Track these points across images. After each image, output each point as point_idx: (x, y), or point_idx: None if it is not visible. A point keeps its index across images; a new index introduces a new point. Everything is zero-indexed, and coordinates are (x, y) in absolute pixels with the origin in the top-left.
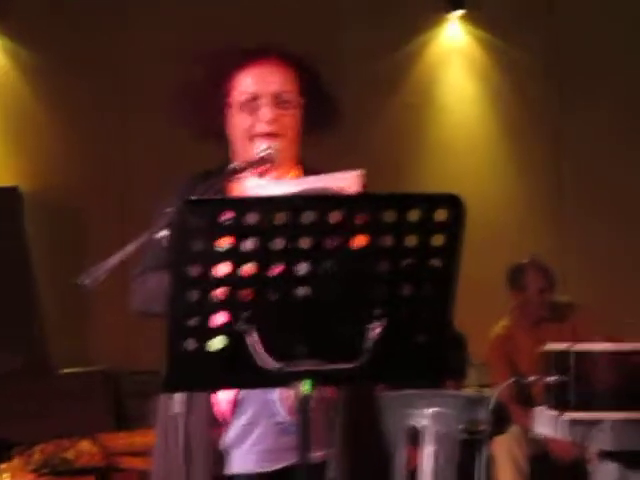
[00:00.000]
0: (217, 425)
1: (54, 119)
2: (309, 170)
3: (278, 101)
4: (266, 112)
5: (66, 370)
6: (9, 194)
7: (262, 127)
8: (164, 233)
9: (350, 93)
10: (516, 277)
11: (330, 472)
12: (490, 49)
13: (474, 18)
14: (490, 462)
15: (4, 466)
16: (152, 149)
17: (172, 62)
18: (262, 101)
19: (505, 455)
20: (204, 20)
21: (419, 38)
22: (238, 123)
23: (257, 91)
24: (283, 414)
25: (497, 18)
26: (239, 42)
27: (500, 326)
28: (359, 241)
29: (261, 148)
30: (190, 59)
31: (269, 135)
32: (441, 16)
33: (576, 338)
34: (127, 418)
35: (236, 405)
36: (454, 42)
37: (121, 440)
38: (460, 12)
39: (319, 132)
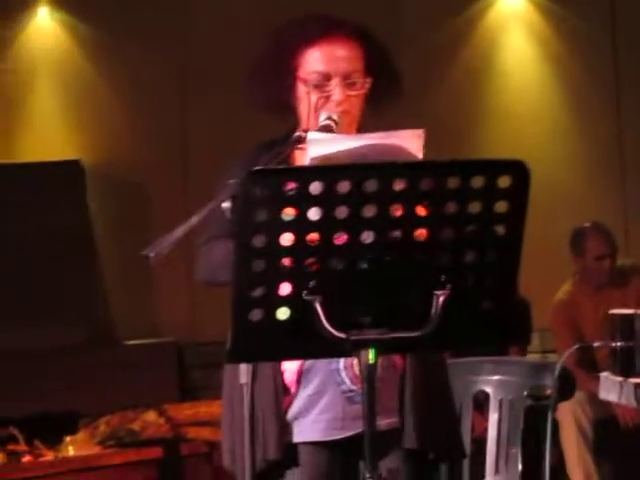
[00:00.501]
0: (283, 394)
1: (115, 93)
2: None
3: (348, 82)
4: (337, 93)
5: (131, 342)
6: (71, 167)
7: (332, 106)
8: (228, 204)
9: (411, 58)
10: (576, 242)
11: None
12: (549, 15)
13: None
14: (555, 428)
15: (70, 438)
16: (213, 121)
17: (234, 35)
18: (333, 81)
19: (570, 420)
20: None
21: (479, 3)
22: (307, 99)
23: (328, 71)
24: (349, 383)
25: None
26: (300, 9)
27: (563, 291)
28: (423, 209)
29: (322, 117)
30: (254, 31)
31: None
32: None
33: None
34: (192, 389)
35: (302, 375)
36: (513, 7)
37: (186, 411)
38: None
39: (382, 105)
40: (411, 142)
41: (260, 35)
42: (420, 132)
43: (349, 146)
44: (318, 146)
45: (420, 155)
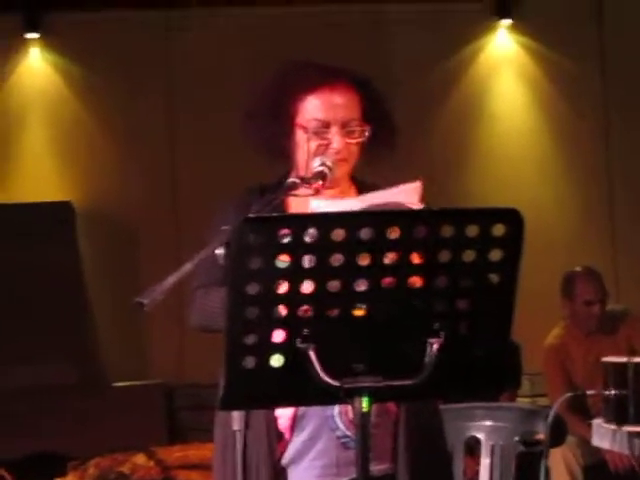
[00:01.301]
0: (277, 440)
1: (106, 135)
2: (361, 183)
3: (346, 130)
4: (336, 141)
5: (120, 383)
6: (62, 209)
7: (331, 154)
8: (221, 251)
9: (401, 103)
10: (567, 286)
11: None
12: (539, 58)
13: (522, 27)
14: (547, 473)
15: None
16: (203, 162)
17: (222, 79)
18: (332, 129)
19: (561, 465)
20: (251, 30)
21: (468, 48)
22: (306, 146)
23: (327, 118)
24: (343, 428)
25: (545, 27)
26: (288, 54)
27: (553, 335)
28: (418, 257)
29: (316, 163)
30: (244, 72)
31: (336, 161)
32: (489, 26)
33: (630, 349)
34: (181, 431)
35: (296, 421)
36: (503, 51)
37: (176, 453)
38: (508, 21)
39: (377, 153)
40: (410, 196)
41: (247, 76)
42: (417, 185)
43: (352, 208)
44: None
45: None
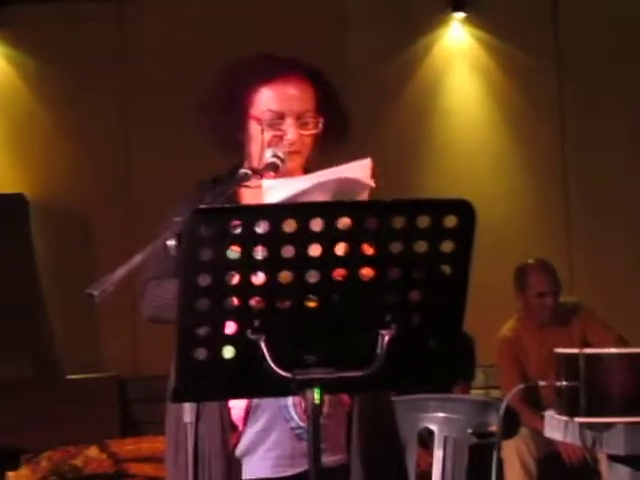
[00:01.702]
0: (231, 431)
1: (59, 127)
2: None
3: (301, 122)
4: (291, 133)
5: (74, 376)
6: (15, 201)
7: (285, 145)
8: (173, 242)
9: (355, 96)
10: (519, 278)
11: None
12: (493, 51)
13: (476, 20)
14: (500, 465)
15: (12, 474)
16: (157, 156)
17: (175, 68)
18: (287, 121)
19: (514, 457)
20: (207, 23)
21: (423, 40)
22: (260, 137)
23: (282, 110)
24: (297, 420)
25: (499, 20)
26: (246, 47)
27: (507, 328)
28: (369, 248)
29: (268, 154)
30: (198, 66)
31: (289, 152)
32: (443, 18)
33: (583, 340)
34: (134, 424)
35: (250, 412)
36: (457, 44)
37: (128, 446)
38: (461, 15)
39: (331, 145)
40: (360, 172)
41: (203, 69)
42: (367, 162)
43: (303, 187)
44: (274, 192)
45: (372, 183)
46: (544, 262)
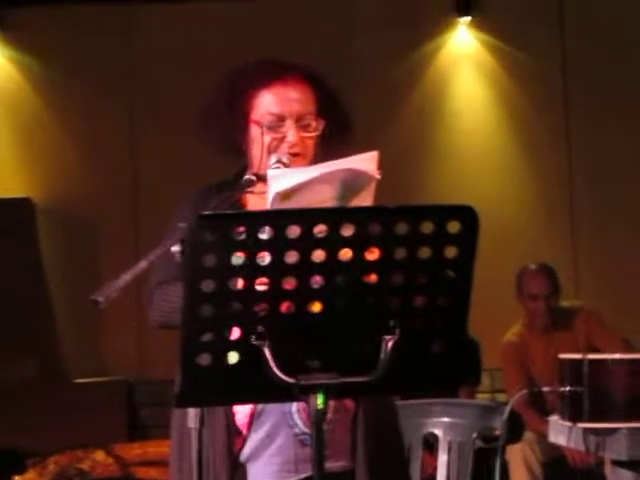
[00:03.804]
0: (236, 437)
1: (66, 131)
2: None
3: (301, 124)
4: (291, 135)
5: (80, 380)
6: (22, 205)
7: (285, 148)
8: (177, 248)
9: (361, 99)
10: (517, 282)
11: None
12: (499, 55)
13: (482, 24)
14: (505, 469)
15: (18, 478)
16: (163, 158)
17: (183, 71)
18: (287, 123)
19: (519, 461)
20: (215, 28)
21: (429, 44)
22: (261, 141)
23: (282, 112)
24: (301, 426)
25: (505, 24)
26: (253, 52)
27: (512, 332)
28: (373, 254)
29: (272, 160)
30: (204, 70)
31: (290, 155)
32: (450, 22)
33: (589, 344)
34: (141, 427)
35: (254, 417)
36: (463, 48)
37: (135, 450)
38: (467, 18)
39: (333, 148)
40: (367, 164)
41: (210, 75)
42: (374, 154)
43: (309, 177)
44: (278, 181)
45: (378, 175)
46: (542, 266)
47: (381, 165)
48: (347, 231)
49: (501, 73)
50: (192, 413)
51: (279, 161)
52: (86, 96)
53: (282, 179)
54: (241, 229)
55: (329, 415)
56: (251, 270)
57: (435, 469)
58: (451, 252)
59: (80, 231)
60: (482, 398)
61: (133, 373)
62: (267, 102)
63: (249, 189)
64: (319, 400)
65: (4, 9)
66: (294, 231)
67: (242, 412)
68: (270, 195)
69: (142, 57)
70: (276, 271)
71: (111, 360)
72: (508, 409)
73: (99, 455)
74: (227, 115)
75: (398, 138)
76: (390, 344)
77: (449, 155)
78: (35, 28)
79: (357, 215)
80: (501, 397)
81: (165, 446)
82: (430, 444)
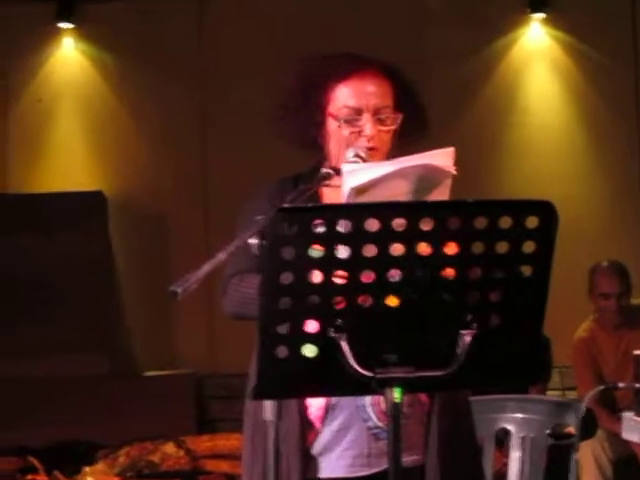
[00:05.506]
0: (309, 430)
1: (138, 124)
2: None
3: (378, 117)
4: (368, 129)
5: (150, 373)
6: (94, 198)
7: (363, 142)
8: (255, 240)
9: (434, 94)
10: (589, 279)
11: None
12: (572, 52)
13: (556, 21)
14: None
15: (88, 469)
16: (234, 155)
17: (254, 65)
18: (364, 116)
19: (589, 458)
20: (286, 17)
21: (502, 40)
22: (338, 134)
23: (359, 106)
24: (375, 419)
25: (578, 21)
26: (325, 45)
27: (583, 329)
28: (451, 248)
29: (350, 154)
30: (274, 65)
31: (368, 149)
32: (523, 19)
33: None
34: (210, 421)
35: (328, 411)
36: (536, 44)
37: (205, 443)
38: (541, 15)
39: (409, 141)
40: (443, 160)
41: (281, 66)
42: (451, 150)
43: (384, 172)
44: (354, 176)
45: (453, 172)
46: (614, 263)
47: (455, 161)
48: (426, 225)
49: (573, 70)
50: (269, 406)
51: (357, 155)
52: (158, 89)
53: (357, 174)
54: (319, 222)
55: (404, 409)
56: (329, 263)
57: (503, 465)
58: (529, 247)
59: (150, 224)
60: (552, 395)
61: (203, 366)
62: (344, 95)
63: (326, 182)
64: (396, 394)
65: (75, 4)
66: (373, 224)
67: (315, 405)
68: (345, 190)
69: (213, 47)
70: (354, 264)
71: (181, 353)
72: (584, 406)
73: (169, 447)
74: (303, 108)
75: (469, 132)
76: (467, 339)
77: (520, 151)
78: (107, 22)
79: (437, 209)
80: (571, 394)
81: (234, 439)
82: (499, 440)
